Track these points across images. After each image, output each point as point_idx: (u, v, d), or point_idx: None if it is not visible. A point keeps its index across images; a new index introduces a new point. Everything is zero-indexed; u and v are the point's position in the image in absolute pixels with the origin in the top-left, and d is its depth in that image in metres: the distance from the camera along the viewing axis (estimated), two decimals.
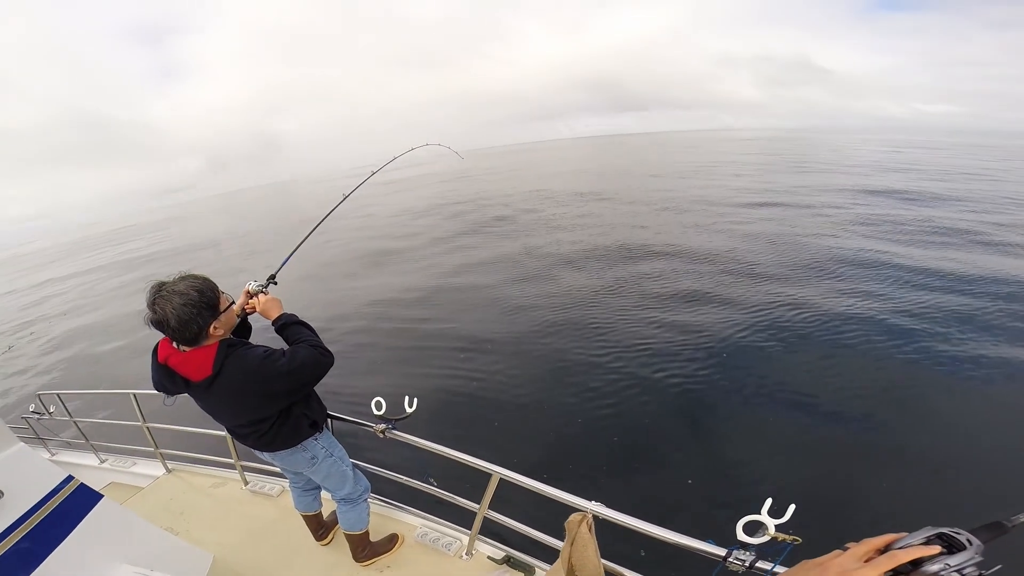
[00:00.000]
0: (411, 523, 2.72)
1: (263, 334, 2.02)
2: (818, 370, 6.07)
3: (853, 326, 7.15)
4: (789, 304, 8.12)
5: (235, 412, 1.84)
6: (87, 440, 3.98)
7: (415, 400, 2.14)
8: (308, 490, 2.52)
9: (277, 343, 1.91)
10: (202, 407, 1.87)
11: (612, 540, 1.54)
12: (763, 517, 1.16)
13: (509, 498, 2.04)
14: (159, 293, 1.61)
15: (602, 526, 1.50)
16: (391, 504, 2.86)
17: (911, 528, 0.67)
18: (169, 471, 3.62)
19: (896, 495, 4.09)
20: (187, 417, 3.65)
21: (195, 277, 1.69)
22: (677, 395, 5.80)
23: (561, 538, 1.73)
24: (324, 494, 2.66)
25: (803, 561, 0.73)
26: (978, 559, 0.60)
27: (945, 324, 7.08)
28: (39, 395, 4.11)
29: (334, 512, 2.62)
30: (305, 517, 2.59)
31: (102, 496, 2.02)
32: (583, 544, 1.51)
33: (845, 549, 0.68)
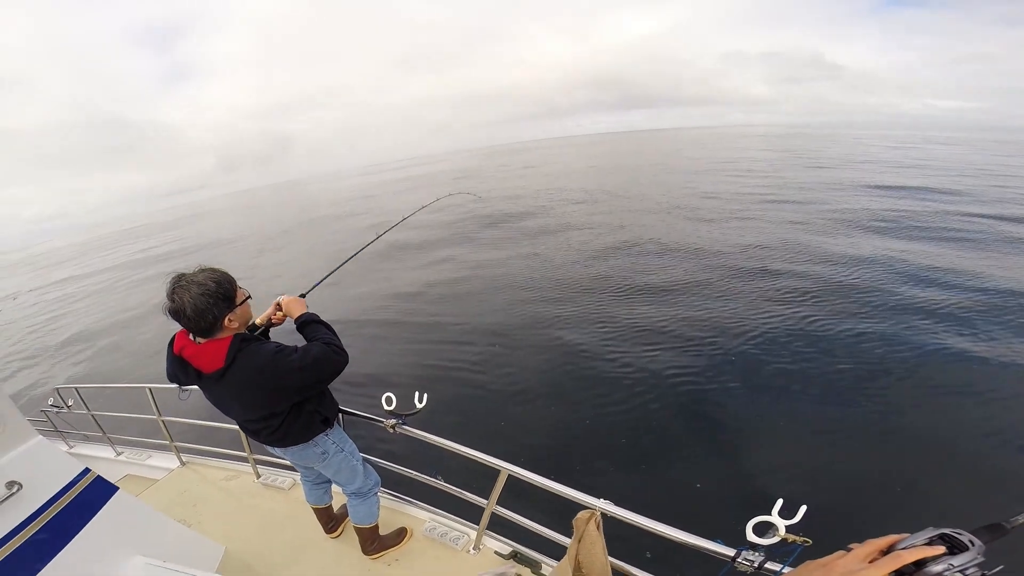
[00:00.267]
0: (420, 517, 2.74)
1: (287, 336, 2.03)
2: (830, 371, 5.97)
3: (869, 325, 7.05)
4: (803, 303, 8.03)
5: (245, 406, 1.84)
6: (104, 433, 4.04)
7: (425, 395, 2.14)
8: (319, 483, 2.55)
9: (299, 342, 1.92)
10: (212, 401, 1.88)
11: (618, 538, 1.54)
12: (773, 518, 1.14)
13: (517, 494, 2.05)
14: (178, 283, 1.64)
15: (609, 524, 1.50)
16: (400, 498, 2.88)
17: (915, 529, 0.67)
18: (183, 464, 3.68)
19: (908, 496, 4.05)
20: (201, 411, 3.70)
21: (214, 270, 1.72)
22: (685, 395, 5.76)
23: (568, 535, 1.73)
24: (335, 487, 2.69)
25: (807, 562, 0.74)
26: (980, 559, 0.60)
27: (962, 322, 6.96)
28: (57, 389, 4.20)
29: (344, 505, 2.66)
30: (316, 510, 2.62)
31: (117, 488, 2.05)
32: (591, 542, 1.51)
33: (849, 550, 0.68)
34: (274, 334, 2.07)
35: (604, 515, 1.50)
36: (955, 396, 5.31)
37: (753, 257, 10.96)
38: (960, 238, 11.55)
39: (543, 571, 2.20)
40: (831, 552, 0.72)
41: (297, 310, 2.03)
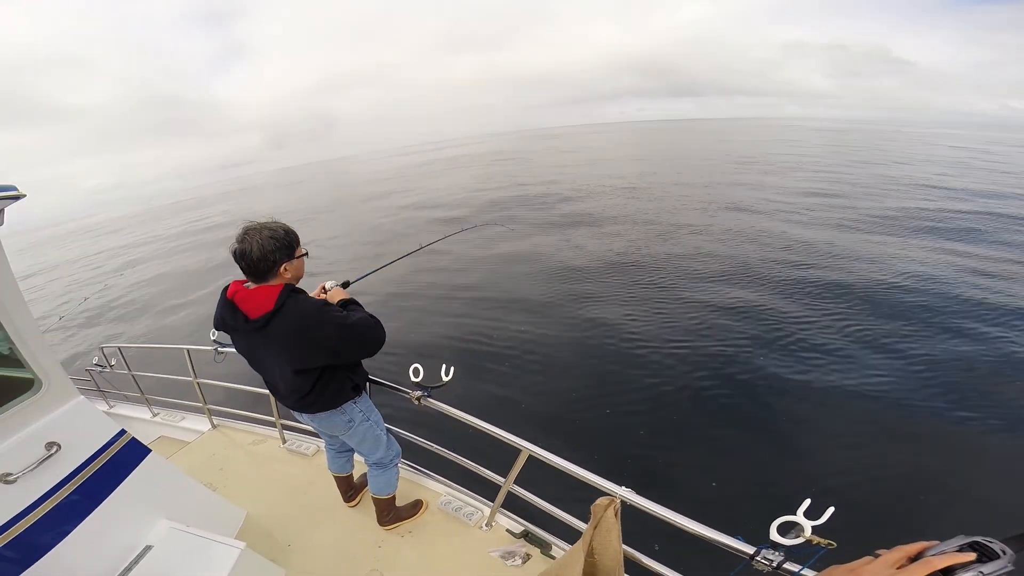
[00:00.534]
0: (436, 490, 2.79)
1: None
2: (866, 371, 5.78)
3: (909, 328, 6.75)
4: (839, 306, 7.70)
5: (282, 358, 1.85)
6: (143, 394, 4.22)
7: (452, 369, 2.12)
8: (342, 452, 2.62)
9: None
10: (249, 355, 1.94)
11: (631, 526, 1.52)
12: (799, 518, 1.10)
13: (533, 475, 2.04)
14: (251, 227, 1.76)
15: (624, 513, 1.48)
16: (418, 470, 2.94)
17: (944, 537, 0.66)
18: (214, 427, 3.83)
19: (941, 504, 3.91)
20: (235, 375, 3.84)
21: (281, 223, 1.84)
22: (714, 390, 5.65)
23: (581, 519, 1.73)
24: (356, 456, 2.76)
25: (832, 567, 0.72)
26: (1010, 568, 0.59)
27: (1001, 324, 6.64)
28: (102, 348, 4.39)
29: (364, 475, 2.72)
30: (336, 478, 2.70)
31: (150, 451, 2.09)
32: (607, 529, 1.50)
33: (877, 556, 0.67)
34: None
35: (624, 503, 1.49)
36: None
37: (794, 252, 10.59)
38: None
39: (553, 552, 2.21)
40: (856, 557, 0.70)
41: (339, 296, 2.09)
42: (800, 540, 1.07)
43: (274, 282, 1.80)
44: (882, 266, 9.53)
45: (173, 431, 4.07)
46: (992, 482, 4.12)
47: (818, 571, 1.07)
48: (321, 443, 3.29)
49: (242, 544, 1.90)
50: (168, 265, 20.81)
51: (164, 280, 17.50)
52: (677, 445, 4.86)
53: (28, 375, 1.73)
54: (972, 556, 0.60)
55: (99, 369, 4.36)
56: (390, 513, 2.53)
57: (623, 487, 1.52)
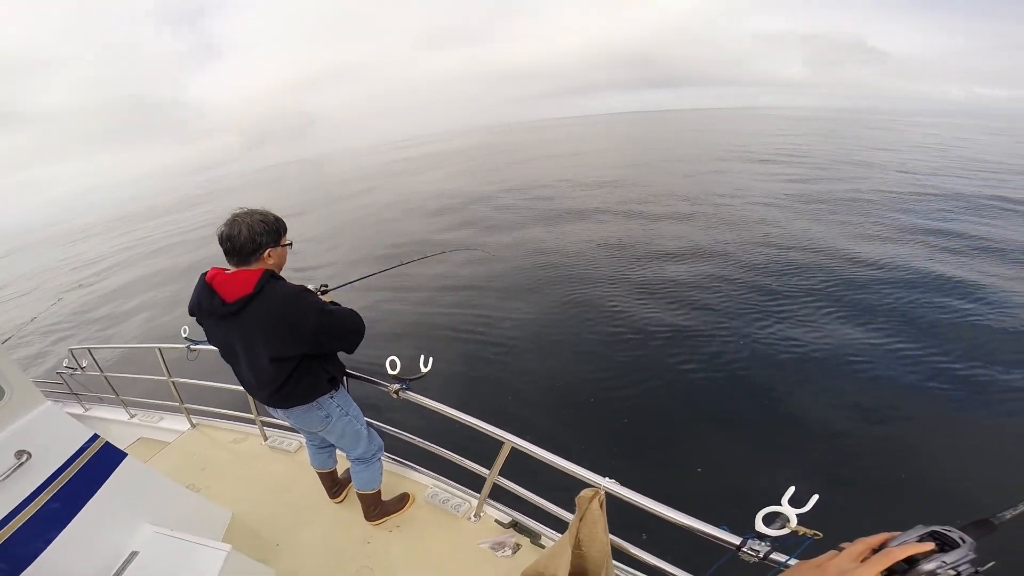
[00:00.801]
0: (422, 483, 2.77)
1: None
2: (843, 362, 5.81)
3: (886, 309, 6.89)
4: (820, 293, 7.76)
5: (259, 342, 1.78)
6: (117, 395, 4.10)
7: (430, 359, 2.07)
8: (323, 447, 2.57)
9: None
10: (222, 345, 1.88)
11: (619, 516, 1.51)
12: (784, 508, 1.09)
13: (519, 465, 2.02)
14: (241, 211, 1.80)
15: (611, 502, 1.47)
16: (402, 463, 2.91)
17: (910, 526, 0.67)
18: (193, 426, 3.74)
19: (920, 489, 3.98)
20: (210, 373, 3.74)
21: (270, 211, 1.87)
22: (693, 380, 5.68)
23: (569, 509, 1.72)
24: (339, 452, 2.71)
25: (799, 563, 0.76)
26: (972, 556, 0.61)
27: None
28: (71, 350, 4.24)
29: (348, 470, 2.67)
30: (320, 474, 2.65)
31: (126, 455, 2.04)
32: (592, 520, 1.49)
33: (840, 549, 0.68)
34: None
35: (608, 495, 1.47)
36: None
37: (772, 245, 10.60)
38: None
39: (542, 542, 2.21)
40: (842, 541, 0.71)
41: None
42: (786, 531, 1.07)
43: (255, 266, 1.78)
44: (859, 250, 9.64)
45: (152, 432, 3.97)
46: (972, 461, 4.20)
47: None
48: (303, 439, 3.23)
49: (228, 547, 1.87)
50: (142, 270, 20.28)
51: (139, 284, 17.07)
52: (661, 433, 4.88)
53: None
54: (931, 546, 0.62)
55: (70, 372, 4.22)
56: (377, 508, 2.50)
57: (607, 478, 1.50)
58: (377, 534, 2.47)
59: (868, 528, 0.72)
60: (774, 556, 1.10)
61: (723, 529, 1.23)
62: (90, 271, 24.07)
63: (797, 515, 1.09)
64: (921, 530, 0.65)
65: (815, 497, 1.10)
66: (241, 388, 2.11)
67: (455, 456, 2.45)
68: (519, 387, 5.82)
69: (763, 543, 1.11)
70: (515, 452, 1.90)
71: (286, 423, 2.21)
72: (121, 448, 2.06)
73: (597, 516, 1.47)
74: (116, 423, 4.14)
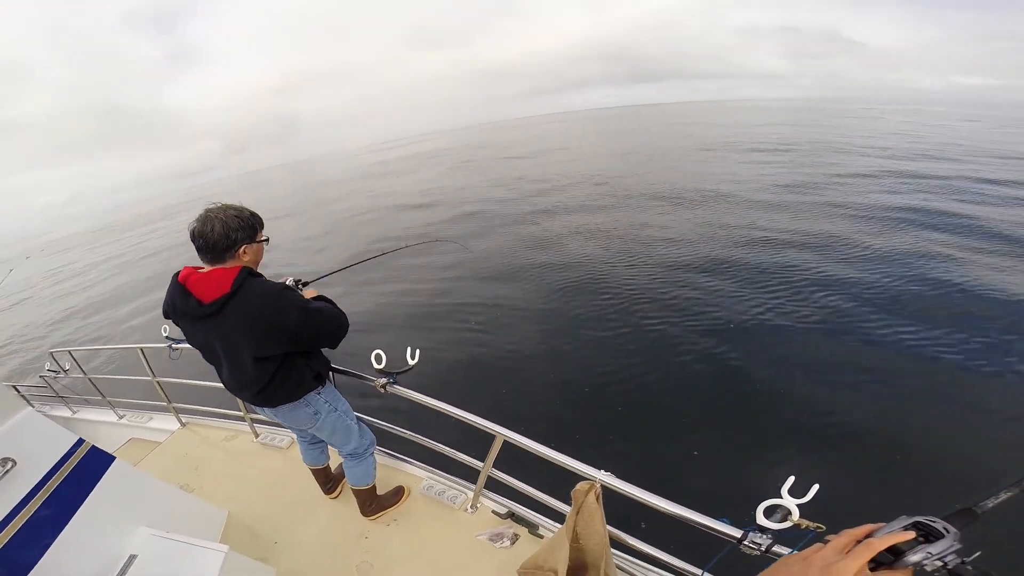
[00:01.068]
0: (417, 475, 2.74)
1: None
2: (842, 350, 5.75)
3: (874, 308, 6.80)
4: (812, 278, 7.72)
5: (241, 342, 1.72)
6: (103, 396, 4.02)
7: (417, 352, 2.03)
8: (314, 444, 2.53)
9: None
10: (202, 347, 1.83)
11: (617, 508, 1.49)
12: (785, 500, 1.06)
13: (515, 457, 1.99)
14: (214, 206, 1.71)
15: (608, 494, 1.44)
16: (396, 456, 2.88)
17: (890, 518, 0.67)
18: (183, 425, 3.68)
19: (917, 480, 3.91)
20: (195, 372, 3.66)
21: (245, 206, 1.80)
22: (688, 368, 5.62)
23: (566, 501, 1.70)
24: (331, 447, 2.67)
25: (785, 556, 0.77)
26: (957, 546, 0.61)
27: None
28: (51, 352, 4.14)
29: (342, 464, 2.65)
30: (313, 470, 2.61)
31: (115, 458, 2.01)
32: (589, 514, 1.46)
33: (826, 542, 0.69)
34: None
35: (604, 487, 1.45)
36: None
37: (762, 228, 10.55)
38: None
39: (540, 532, 2.20)
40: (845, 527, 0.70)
41: (309, 294, 1.99)
42: (788, 524, 1.04)
43: (231, 264, 1.71)
44: (845, 232, 9.63)
45: (142, 432, 3.91)
46: (972, 440, 4.16)
47: None
48: (295, 435, 3.19)
49: (225, 547, 1.84)
50: (129, 276, 19.97)
51: (124, 290, 16.85)
52: (655, 424, 4.84)
53: None
54: (912, 535, 0.62)
55: (53, 375, 4.13)
56: (372, 503, 2.47)
57: (603, 471, 1.48)
58: (375, 528, 2.45)
59: (871, 517, 0.71)
60: (776, 549, 1.08)
61: (723, 522, 1.20)
62: (73, 282, 23.72)
63: (798, 506, 1.06)
64: (905, 521, 0.65)
65: (815, 487, 1.07)
66: None
67: (448, 449, 2.43)
68: (512, 378, 5.77)
69: (765, 536, 1.09)
70: (509, 444, 1.87)
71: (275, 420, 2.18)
72: (113, 449, 2.02)
73: (594, 509, 1.45)
74: (105, 425, 4.07)
